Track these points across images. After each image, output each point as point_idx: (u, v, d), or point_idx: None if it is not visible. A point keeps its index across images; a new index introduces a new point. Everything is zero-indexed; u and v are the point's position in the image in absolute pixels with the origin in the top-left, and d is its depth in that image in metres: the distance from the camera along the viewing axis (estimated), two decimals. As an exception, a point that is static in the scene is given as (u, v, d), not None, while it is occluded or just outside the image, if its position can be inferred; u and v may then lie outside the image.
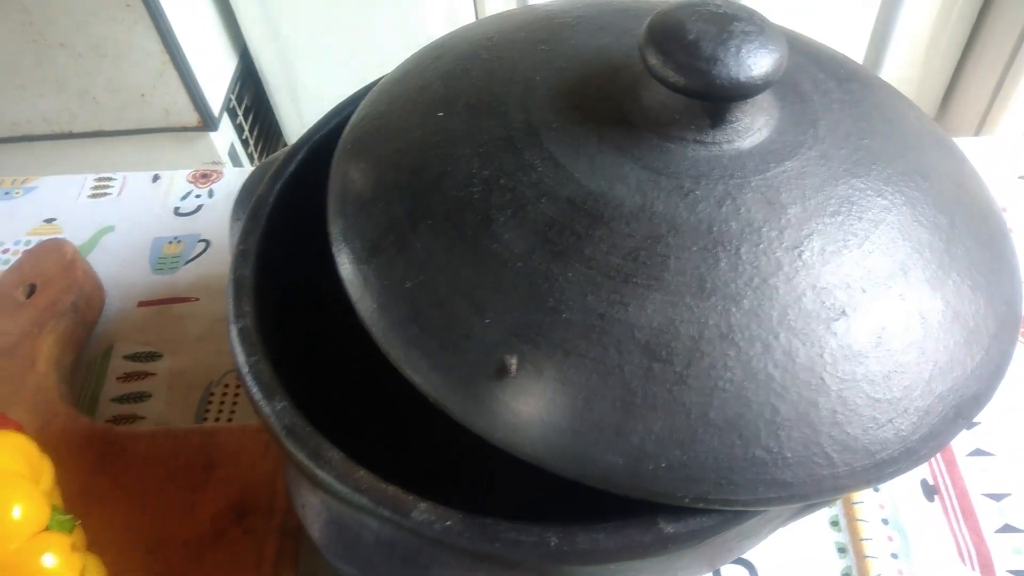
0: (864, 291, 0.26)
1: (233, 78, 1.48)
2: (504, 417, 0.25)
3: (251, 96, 1.50)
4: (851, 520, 0.37)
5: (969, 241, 0.29)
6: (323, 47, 1.32)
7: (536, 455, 0.25)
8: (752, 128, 0.27)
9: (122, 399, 0.44)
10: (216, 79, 1.39)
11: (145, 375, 0.45)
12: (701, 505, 0.24)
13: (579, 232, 0.26)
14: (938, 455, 0.39)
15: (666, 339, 0.25)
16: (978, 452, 0.39)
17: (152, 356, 0.45)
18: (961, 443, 0.39)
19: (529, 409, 0.25)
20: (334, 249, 0.29)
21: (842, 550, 0.36)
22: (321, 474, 0.27)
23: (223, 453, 0.37)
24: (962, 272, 0.28)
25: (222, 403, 0.43)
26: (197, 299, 0.48)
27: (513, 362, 0.25)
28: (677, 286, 0.25)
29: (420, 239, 0.27)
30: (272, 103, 1.43)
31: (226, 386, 0.44)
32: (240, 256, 0.33)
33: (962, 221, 0.29)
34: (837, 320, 0.25)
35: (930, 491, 0.38)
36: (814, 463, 0.24)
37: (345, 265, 0.29)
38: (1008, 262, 0.30)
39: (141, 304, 0.48)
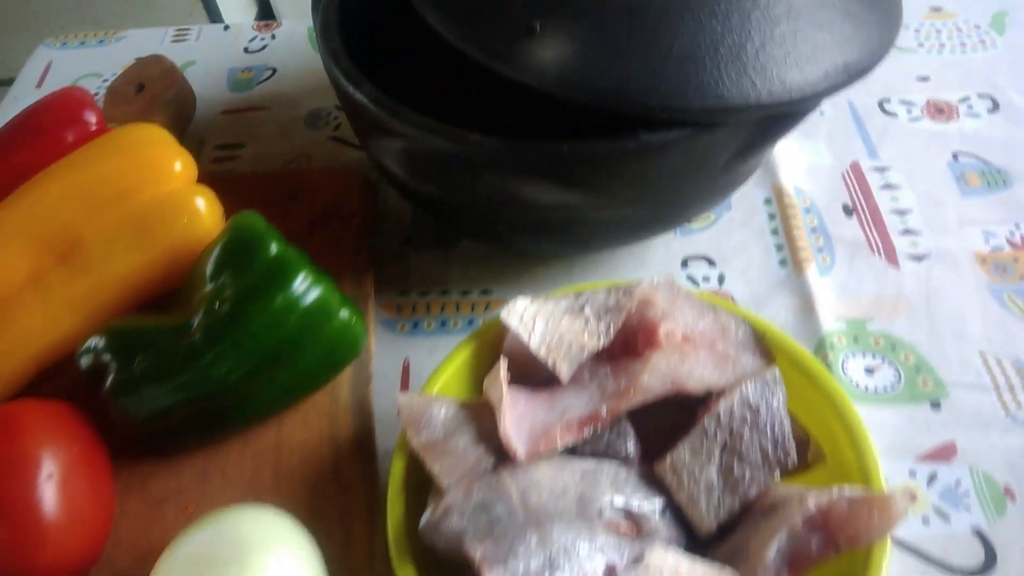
0: (779, -19, 0.37)
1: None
2: (532, 64, 0.36)
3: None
4: (788, 229, 0.48)
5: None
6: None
7: (555, 87, 0.36)
8: None
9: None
10: (239, 18, 1.51)
11: (232, 158, 0.56)
12: (667, 115, 0.36)
13: (582, -57, 0.37)
14: (856, 188, 0.50)
15: (643, 5, 0.36)
16: (888, 187, 0.50)
17: (237, 146, 0.57)
18: (875, 179, 0.50)
19: (550, 56, 0.36)
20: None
21: (780, 247, 0.48)
22: (401, 126, 0.38)
23: (307, 184, 0.49)
24: (853, -14, 0.39)
25: (295, 175, 0.54)
26: (270, 108, 0.59)
27: (537, 25, 0.36)
28: (650, -26, 0.36)
29: (468, -41, 0.39)
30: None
31: (298, 165, 0.55)
32: (324, 9, 0.44)
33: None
34: (760, -3, 0.37)
35: (849, 211, 0.49)
36: (745, 87, 0.36)
37: (414, -13, 0.40)
38: (893, 4, 0.41)
39: (224, 112, 0.59)
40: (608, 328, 0.34)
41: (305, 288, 0.35)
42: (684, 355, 0.34)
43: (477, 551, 0.28)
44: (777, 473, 0.32)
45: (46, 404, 0.35)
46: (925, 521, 0.37)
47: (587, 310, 0.35)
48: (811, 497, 0.30)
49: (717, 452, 0.32)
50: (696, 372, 0.33)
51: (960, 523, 0.37)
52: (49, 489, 0.32)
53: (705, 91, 0.35)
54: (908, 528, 0.36)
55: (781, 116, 0.38)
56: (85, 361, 0.36)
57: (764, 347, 0.35)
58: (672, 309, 0.35)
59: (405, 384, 0.44)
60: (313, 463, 0.37)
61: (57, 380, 0.39)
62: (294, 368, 0.36)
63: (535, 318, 0.35)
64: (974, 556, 0.36)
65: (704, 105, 0.35)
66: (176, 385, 0.34)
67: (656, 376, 0.33)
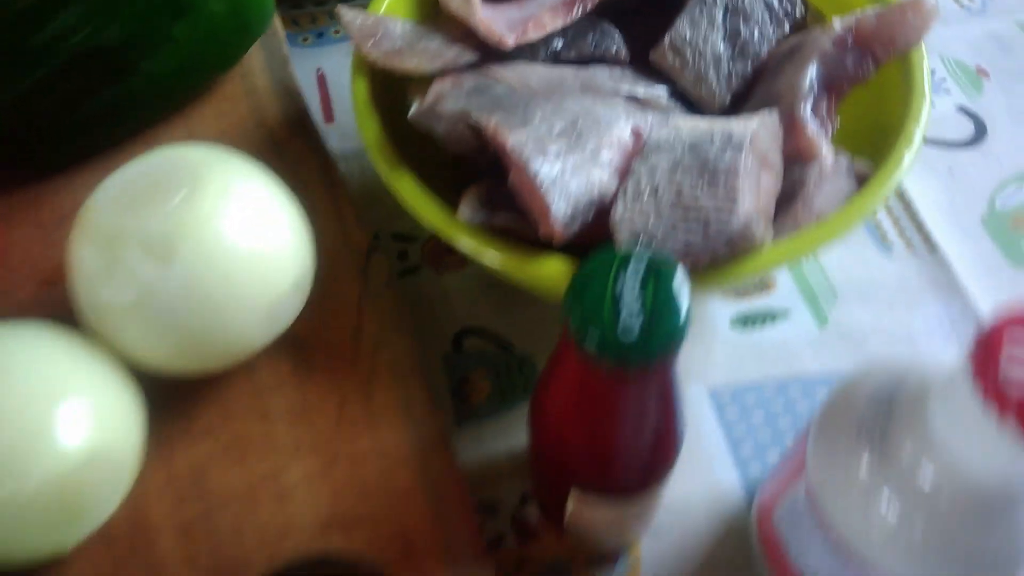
0: None
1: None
2: None
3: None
4: None
5: None
6: None
7: None
8: None
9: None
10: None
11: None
12: None
13: None
14: None
15: None
16: None
17: None
18: None
19: None
20: None
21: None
22: None
23: None
24: None
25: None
26: None
27: None
28: None
29: None
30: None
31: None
32: None
33: None
34: None
35: None
36: None
37: None
38: None
39: None
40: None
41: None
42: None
43: (490, 120, 0.23)
44: (787, 26, 0.28)
45: None
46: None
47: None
48: (835, 21, 0.27)
49: (719, 17, 0.28)
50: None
51: (944, 105, 0.35)
52: None
53: None
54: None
55: None
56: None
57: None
58: None
59: (325, 94, 0.37)
60: (245, 147, 0.31)
61: None
62: (195, 20, 0.28)
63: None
64: (964, 130, 0.35)
65: None
66: (22, 60, 0.26)
67: (640, -54, 0.28)
